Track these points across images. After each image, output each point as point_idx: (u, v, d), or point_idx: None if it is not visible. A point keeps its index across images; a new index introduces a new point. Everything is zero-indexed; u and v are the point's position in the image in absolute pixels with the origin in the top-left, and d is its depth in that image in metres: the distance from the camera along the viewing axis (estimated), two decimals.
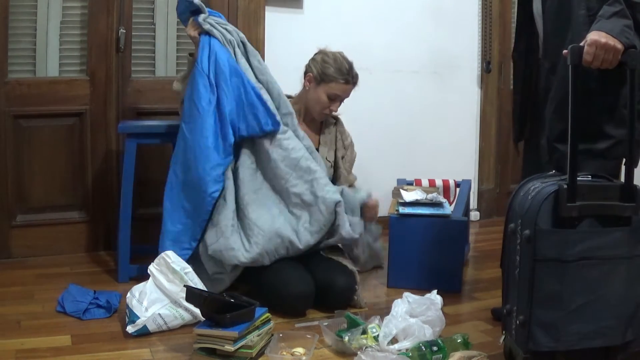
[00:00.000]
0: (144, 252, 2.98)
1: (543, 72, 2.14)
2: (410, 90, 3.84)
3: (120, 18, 3.12)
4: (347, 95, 2.71)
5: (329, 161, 2.76)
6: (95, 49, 3.11)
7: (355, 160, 2.91)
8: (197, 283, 2.31)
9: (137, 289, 2.30)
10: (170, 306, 2.25)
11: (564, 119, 1.86)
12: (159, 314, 2.22)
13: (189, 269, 2.34)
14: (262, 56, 3.40)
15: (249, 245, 2.44)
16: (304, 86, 2.73)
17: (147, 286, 2.29)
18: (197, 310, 2.24)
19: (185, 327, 2.26)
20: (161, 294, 2.27)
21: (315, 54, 2.74)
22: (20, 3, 3.00)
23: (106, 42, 3.12)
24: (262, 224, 2.46)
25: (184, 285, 2.19)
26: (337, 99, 2.67)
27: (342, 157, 2.80)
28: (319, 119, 2.76)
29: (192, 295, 2.08)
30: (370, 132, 3.69)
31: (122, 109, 3.19)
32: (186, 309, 2.26)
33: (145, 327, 2.19)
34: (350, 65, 2.69)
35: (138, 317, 2.18)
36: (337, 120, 2.85)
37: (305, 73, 2.73)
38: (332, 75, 2.63)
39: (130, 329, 2.18)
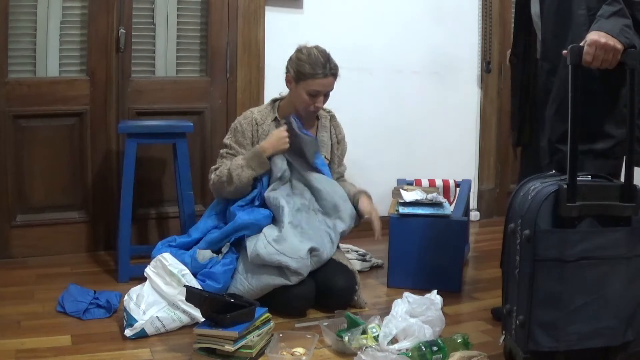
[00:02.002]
0: (144, 252, 2.99)
1: (542, 74, 2.14)
2: (410, 91, 3.84)
3: (120, 18, 3.12)
4: (329, 89, 2.63)
5: (327, 159, 2.76)
6: (95, 49, 3.11)
7: (356, 161, 2.91)
8: (195, 285, 2.30)
9: (134, 291, 2.30)
10: (167, 309, 2.24)
11: (566, 119, 1.86)
12: (157, 317, 2.20)
13: (186, 270, 2.33)
14: (262, 56, 3.42)
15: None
16: (288, 88, 2.68)
17: (144, 289, 2.28)
18: (195, 312, 2.23)
19: (184, 327, 2.26)
20: (158, 296, 2.26)
21: (292, 54, 2.67)
22: (20, 3, 3.00)
23: (106, 42, 3.12)
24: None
25: (184, 285, 2.19)
26: (318, 94, 2.60)
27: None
28: (307, 117, 2.70)
29: (192, 295, 2.07)
30: (371, 132, 3.69)
31: (122, 109, 3.18)
32: (184, 311, 2.25)
33: (143, 330, 2.18)
34: (327, 57, 2.60)
35: (136, 321, 2.18)
36: (331, 116, 2.83)
37: (285, 75, 2.66)
38: (308, 73, 2.56)
39: (128, 332, 2.17)
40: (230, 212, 2.58)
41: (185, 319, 2.26)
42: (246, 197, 2.60)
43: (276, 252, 2.37)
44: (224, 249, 2.52)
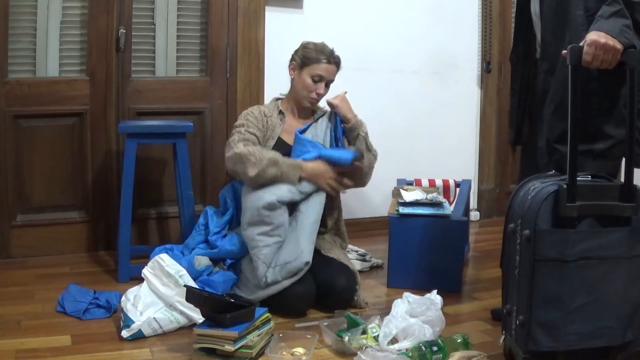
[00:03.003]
0: (144, 252, 2.99)
1: (541, 74, 2.14)
2: (410, 90, 3.84)
3: (120, 18, 3.12)
4: (331, 77, 2.70)
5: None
6: (95, 49, 3.11)
7: None
8: (193, 285, 2.27)
9: (131, 292, 2.29)
10: (165, 310, 2.22)
11: (564, 119, 1.86)
12: (154, 318, 2.19)
13: (184, 271, 2.30)
14: (262, 56, 3.42)
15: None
16: (291, 78, 2.74)
17: (142, 290, 2.27)
18: (192, 314, 2.22)
19: (183, 327, 2.26)
20: (155, 297, 2.24)
21: (298, 47, 2.76)
22: (20, 3, 3.00)
23: (106, 42, 3.12)
24: None
25: (184, 285, 2.18)
26: (322, 80, 2.67)
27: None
28: (310, 105, 2.73)
29: (192, 295, 2.07)
30: (371, 132, 3.66)
31: (122, 109, 3.18)
32: (181, 313, 2.23)
33: (140, 331, 2.17)
34: (331, 49, 2.71)
35: (133, 322, 2.17)
36: (328, 113, 2.82)
37: (290, 65, 2.74)
38: (314, 57, 2.66)
39: (125, 333, 2.16)
40: (210, 243, 2.62)
41: (183, 320, 2.25)
42: (222, 220, 2.64)
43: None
44: (218, 268, 2.56)
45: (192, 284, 2.30)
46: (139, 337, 2.17)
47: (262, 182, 2.49)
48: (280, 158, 2.53)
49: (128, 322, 2.18)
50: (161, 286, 2.26)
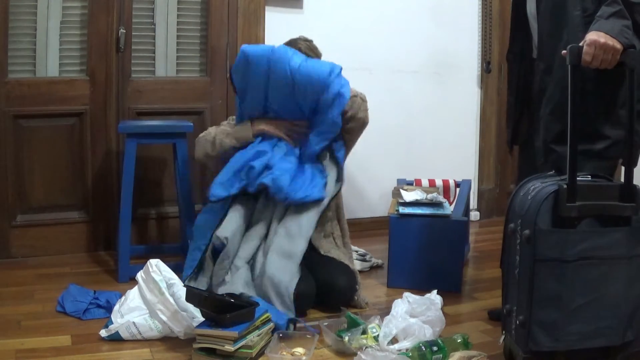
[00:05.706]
0: (144, 252, 2.99)
1: (538, 74, 2.14)
2: (410, 90, 3.84)
3: (120, 18, 3.12)
4: None
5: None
6: (95, 49, 3.11)
7: (356, 161, 2.88)
8: (181, 296, 2.15)
9: (128, 293, 2.28)
10: (147, 316, 2.17)
11: (561, 120, 1.86)
12: (133, 323, 2.15)
13: (175, 279, 2.22)
14: None
15: None
16: None
17: (131, 292, 2.25)
18: (173, 325, 2.15)
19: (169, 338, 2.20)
20: (142, 302, 2.20)
21: None
22: (20, 3, 3.00)
23: (106, 42, 3.12)
24: None
25: (184, 285, 2.18)
26: None
27: None
28: None
29: (192, 295, 2.07)
30: (370, 132, 3.65)
31: (122, 109, 3.19)
32: (163, 322, 2.15)
33: (117, 333, 2.14)
34: (302, 38, 2.74)
35: (112, 322, 2.16)
36: None
37: None
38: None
39: (103, 332, 2.15)
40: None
41: (165, 331, 2.17)
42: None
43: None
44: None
45: (181, 294, 2.19)
46: (116, 338, 2.15)
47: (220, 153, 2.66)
48: (232, 129, 2.69)
49: (108, 323, 2.18)
50: (147, 292, 2.20)
